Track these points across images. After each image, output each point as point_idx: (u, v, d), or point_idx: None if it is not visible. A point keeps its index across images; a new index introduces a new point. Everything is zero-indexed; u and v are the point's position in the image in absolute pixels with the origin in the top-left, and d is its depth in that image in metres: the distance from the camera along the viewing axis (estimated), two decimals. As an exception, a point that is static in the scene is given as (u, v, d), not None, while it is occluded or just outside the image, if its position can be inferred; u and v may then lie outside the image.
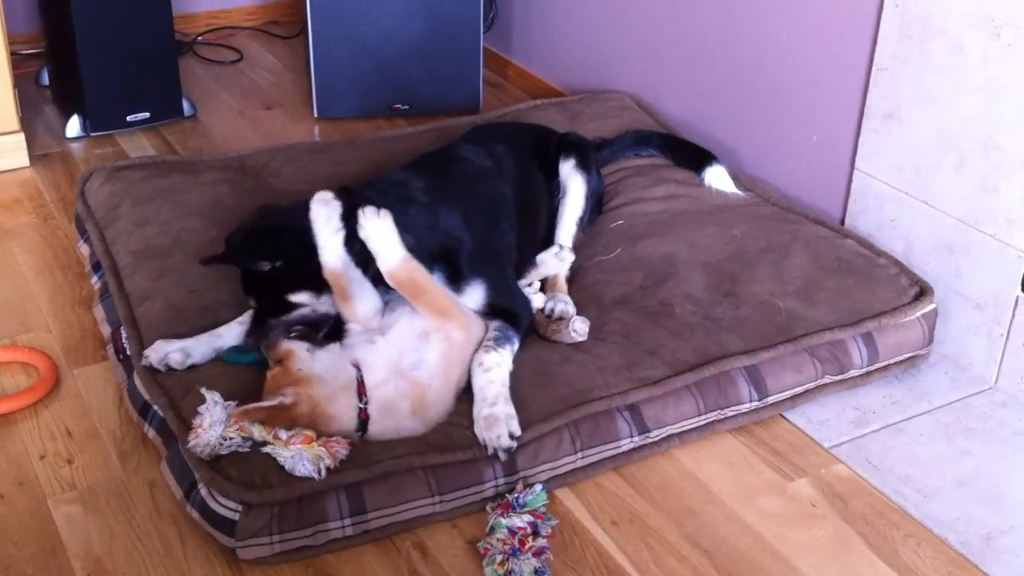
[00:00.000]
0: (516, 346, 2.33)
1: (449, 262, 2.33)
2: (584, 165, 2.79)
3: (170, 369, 2.29)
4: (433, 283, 2.24)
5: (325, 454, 2.03)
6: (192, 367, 2.30)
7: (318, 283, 2.26)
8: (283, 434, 2.05)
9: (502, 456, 2.13)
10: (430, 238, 2.32)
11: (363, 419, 2.12)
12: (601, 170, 3.06)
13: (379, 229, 2.19)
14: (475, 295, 2.34)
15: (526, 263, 2.59)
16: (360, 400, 2.12)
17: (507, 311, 2.36)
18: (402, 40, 3.78)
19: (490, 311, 2.35)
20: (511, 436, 2.13)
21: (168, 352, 2.30)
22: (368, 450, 2.10)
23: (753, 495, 2.24)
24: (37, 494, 2.19)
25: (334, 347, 2.20)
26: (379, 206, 2.23)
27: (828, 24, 2.88)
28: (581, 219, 2.76)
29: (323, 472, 2.02)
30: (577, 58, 3.88)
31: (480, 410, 2.17)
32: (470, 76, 3.88)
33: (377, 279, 2.26)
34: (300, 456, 2.02)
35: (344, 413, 2.11)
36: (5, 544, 2.07)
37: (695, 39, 3.34)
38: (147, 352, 2.32)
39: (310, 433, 2.05)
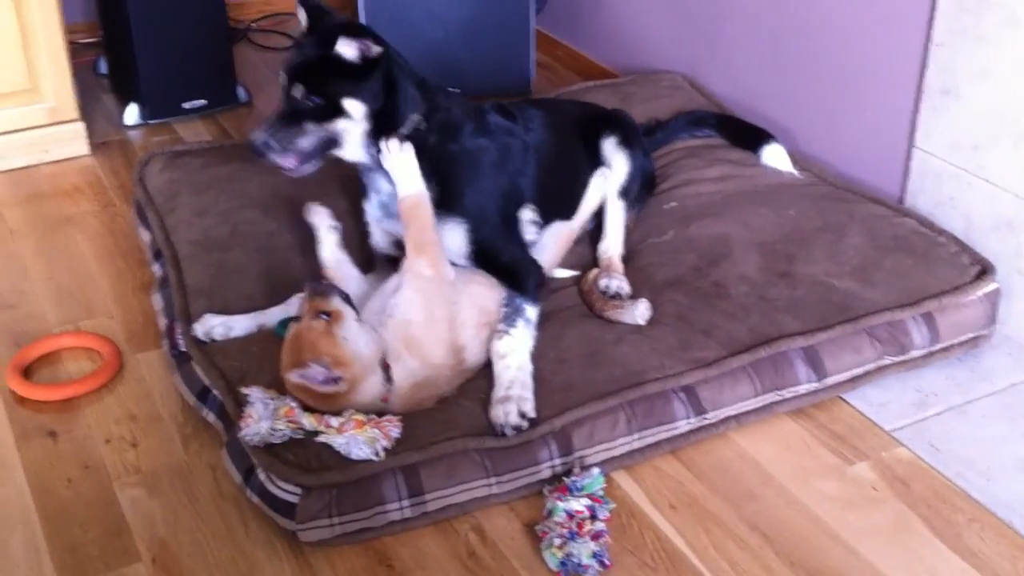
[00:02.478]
0: (531, 314, 2.33)
1: (444, 187, 2.37)
2: (626, 142, 2.76)
3: (213, 340, 2.39)
4: (430, 221, 2.31)
5: (379, 435, 2.05)
6: (244, 349, 2.35)
7: (380, 103, 2.30)
8: (334, 421, 2.07)
9: (510, 434, 2.12)
10: (436, 153, 2.37)
11: (385, 367, 2.13)
12: (654, 152, 3.05)
13: (400, 161, 2.31)
14: (456, 233, 2.37)
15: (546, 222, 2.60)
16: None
17: (506, 269, 2.37)
18: (452, 23, 3.78)
19: (485, 264, 2.38)
20: (522, 415, 2.14)
21: (213, 325, 2.40)
22: (424, 432, 2.11)
23: (812, 478, 2.22)
24: (102, 477, 2.23)
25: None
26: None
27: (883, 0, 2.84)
28: (625, 191, 2.72)
29: (381, 453, 2.04)
30: (628, 38, 3.85)
31: (496, 393, 2.20)
32: (521, 58, 3.87)
33: None
34: (354, 440, 2.04)
35: (375, 381, 2.13)
36: (72, 527, 2.11)
37: (747, 17, 3.31)
38: (195, 325, 2.41)
39: (360, 417, 2.07)
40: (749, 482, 2.22)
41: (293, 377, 2.07)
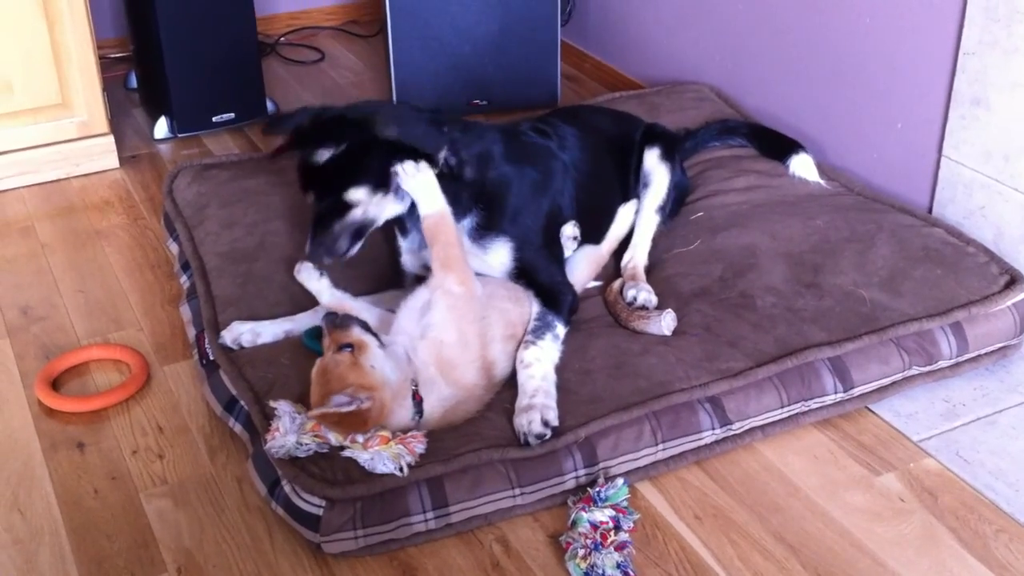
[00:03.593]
0: (560, 331, 2.34)
1: (489, 211, 2.40)
2: (668, 156, 2.79)
3: (241, 347, 2.43)
4: (454, 237, 2.31)
5: (404, 451, 2.05)
6: (272, 360, 2.36)
7: (375, 177, 2.30)
8: (360, 437, 2.07)
9: (533, 443, 2.12)
10: (477, 183, 2.40)
11: (417, 401, 2.13)
12: (684, 161, 3.05)
13: (420, 181, 2.30)
14: (500, 253, 2.40)
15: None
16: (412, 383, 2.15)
17: (544, 289, 2.38)
18: (479, 37, 3.79)
19: (526, 283, 2.39)
20: (544, 423, 2.13)
21: (241, 332, 2.44)
22: (448, 444, 2.12)
23: (839, 490, 2.20)
24: (129, 488, 2.25)
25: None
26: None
27: (912, 9, 2.82)
28: (662, 208, 2.75)
29: (405, 469, 2.04)
30: (654, 50, 3.85)
31: (520, 402, 2.20)
32: (547, 70, 3.88)
33: None
34: (379, 456, 2.04)
35: (405, 407, 2.13)
36: (99, 537, 2.13)
37: (774, 27, 3.30)
38: (222, 332, 2.44)
39: (385, 433, 2.07)
40: (775, 493, 2.20)
41: (320, 412, 2.05)
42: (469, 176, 2.39)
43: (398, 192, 2.33)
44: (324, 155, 2.31)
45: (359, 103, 2.51)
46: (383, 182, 2.31)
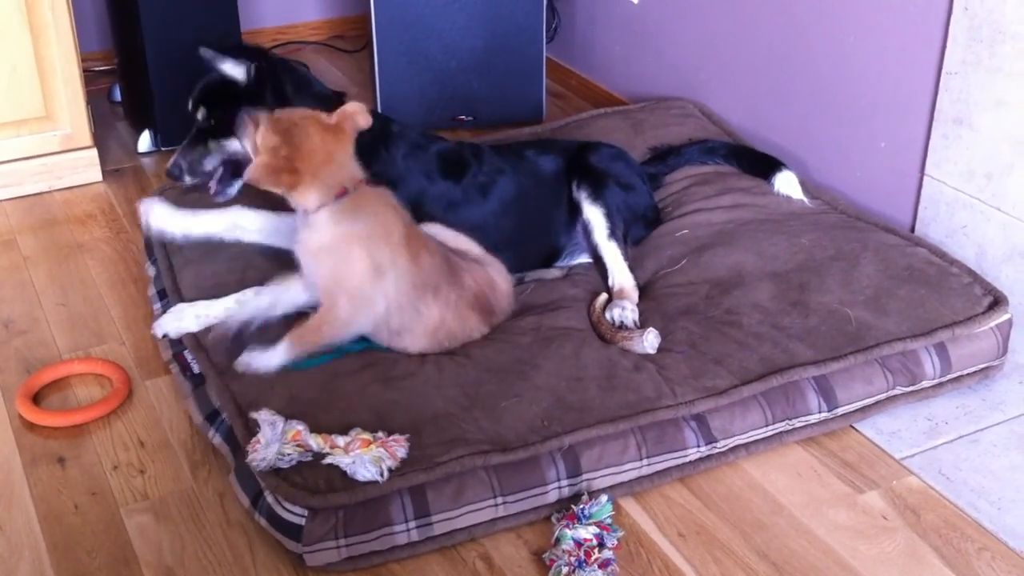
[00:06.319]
0: None
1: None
2: (597, 195, 2.72)
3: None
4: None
5: (385, 455, 2.06)
6: (259, 377, 2.33)
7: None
8: (340, 441, 2.08)
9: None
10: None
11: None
12: (665, 176, 3.06)
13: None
14: None
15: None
16: None
17: None
18: (465, 53, 3.80)
19: None
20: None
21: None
22: (431, 452, 2.11)
23: (823, 507, 2.21)
24: (110, 504, 2.23)
25: None
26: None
27: (895, 29, 2.84)
28: (612, 233, 2.69)
29: (385, 473, 2.04)
30: (640, 67, 3.87)
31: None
32: (533, 87, 3.89)
33: None
34: (360, 460, 2.04)
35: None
36: (79, 553, 2.11)
37: (758, 45, 3.32)
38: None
39: (366, 436, 2.08)
40: (759, 511, 2.20)
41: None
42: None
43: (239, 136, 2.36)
44: (230, 73, 2.45)
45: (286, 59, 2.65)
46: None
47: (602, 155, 2.82)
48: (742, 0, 3.34)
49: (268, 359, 2.31)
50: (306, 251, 2.33)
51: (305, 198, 2.28)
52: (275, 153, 2.22)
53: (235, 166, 2.50)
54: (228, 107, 2.42)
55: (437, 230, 2.53)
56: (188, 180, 2.51)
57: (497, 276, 2.52)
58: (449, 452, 2.11)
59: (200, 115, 2.50)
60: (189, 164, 2.49)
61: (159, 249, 2.81)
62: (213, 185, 2.55)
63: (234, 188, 2.54)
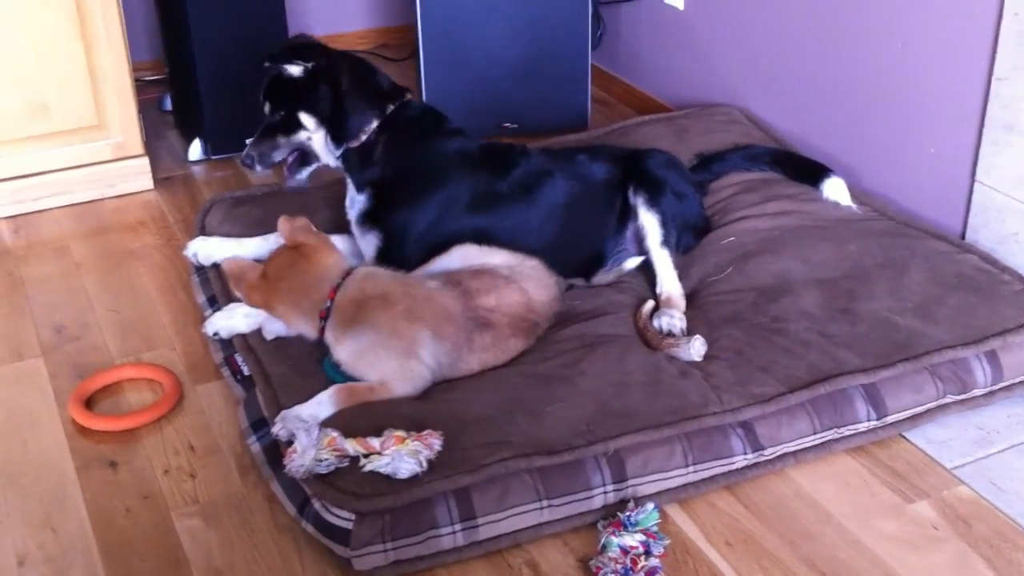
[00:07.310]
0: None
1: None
2: (654, 201, 2.72)
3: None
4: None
5: (421, 447, 2.07)
6: (309, 390, 2.35)
7: (327, 112, 2.62)
8: (374, 442, 2.09)
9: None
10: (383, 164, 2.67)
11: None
12: (711, 182, 3.05)
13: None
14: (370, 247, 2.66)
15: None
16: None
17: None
18: (510, 61, 3.81)
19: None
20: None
21: (196, 251, 2.85)
22: (475, 454, 2.12)
23: (871, 517, 2.19)
24: (161, 508, 2.26)
25: None
26: None
27: (945, 34, 2.81)
28: (666, 241, 2.69)
29: (424, 464, 2.05)
30: (685, 74, 3.86)
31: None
32: (578, 94, 3.89)
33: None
34: (398, 455, 2.05)
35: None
36: (130, 556, 2.14)
37: (805, 51, 3.30)
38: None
39: (400, 434, 2.09)
40: (807, 520, 2.19)
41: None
42: (377, 157, 2.64)
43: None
44: (291, 72, 2.62)
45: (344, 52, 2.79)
46: (325, 120, 2.63)
47: (658, 161, 2.83)
48: (788, 5, 3.33)
49: (314, 410, 2.28)
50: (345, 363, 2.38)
51: (300, 328, 2.41)
52: (258, 301, 2.40)
53: (303, 155, 2.72)
54: (291, 102, 2.65)
55: (463, 252, 2.54)
56: (259, 169, 2.73)
57: (533, 288, 2.48)
58: (493, 455, 2.12)
59: (267, 109, 2.70)
60: (259, 154, 2.70)
61: (211, 268, 2.87)
62: (286, 172, 2.77)
63: (304, 174, 2.76)
